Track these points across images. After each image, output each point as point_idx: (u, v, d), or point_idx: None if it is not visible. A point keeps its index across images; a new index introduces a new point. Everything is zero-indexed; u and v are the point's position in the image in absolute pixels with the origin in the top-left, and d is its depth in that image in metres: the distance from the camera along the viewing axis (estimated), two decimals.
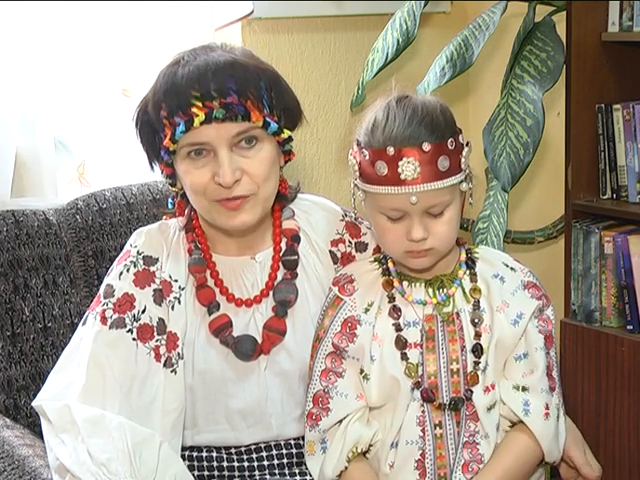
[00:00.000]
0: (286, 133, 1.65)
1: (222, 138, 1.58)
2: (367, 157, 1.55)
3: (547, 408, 1.63)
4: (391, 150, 1.51)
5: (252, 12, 2.41)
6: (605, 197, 2.47)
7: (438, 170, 1.52)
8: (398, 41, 2.40)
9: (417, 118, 1.53)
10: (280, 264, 1.73)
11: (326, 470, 1.63)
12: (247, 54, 1.65)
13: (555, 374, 1.68)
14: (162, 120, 1.60)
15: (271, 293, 1.71)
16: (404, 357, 1.61)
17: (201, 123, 1.56)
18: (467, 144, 1.58)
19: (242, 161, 1.61)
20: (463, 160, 1.56)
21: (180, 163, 1.63)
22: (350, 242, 1.79)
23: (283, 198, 1.76)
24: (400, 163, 1.51)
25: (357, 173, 1.58)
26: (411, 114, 1.53)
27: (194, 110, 1.56)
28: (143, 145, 1.68)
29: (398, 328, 1.62)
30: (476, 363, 1.61)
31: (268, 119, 1.61)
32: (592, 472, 1.73)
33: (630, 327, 2.38)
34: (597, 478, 1.74)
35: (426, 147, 1.51)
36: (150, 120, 1.63)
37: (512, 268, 1.68)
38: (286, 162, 1.72)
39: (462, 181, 1.56)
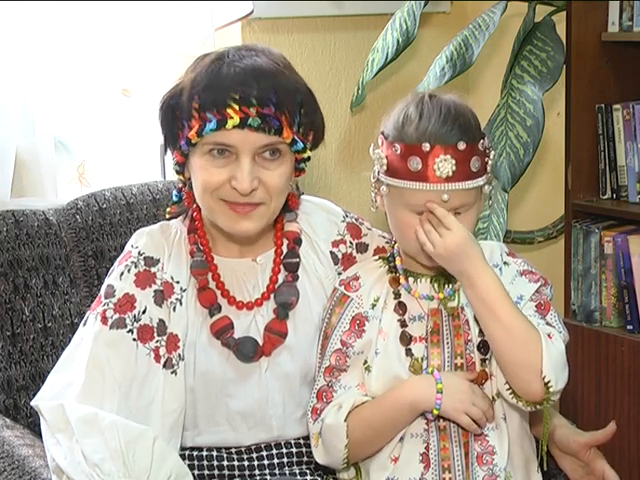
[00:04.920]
0: (307, 153, 1.65)
1: (249, 145, 1.58)
2: (398, 151, 1.54)
3: (550, 337, 1.54)
4: (427, 146, 1.51)
5: (252, 12, 2.41)
6: (605, 197, 2.47)
7: (470, 170, 1.53)
8: (398, 41, 2.40)
9: (451, 117, 1.53)
10: (281, 266, 1.72)
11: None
12: (287, 65, 1.65)
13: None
14: (192, 111, 1.59)
15: (272, 295, 1.70)
16: (409, 353, 1.61)
17: (234, 126, 1.56)
18: (491, 147, 1.59)
19: (261, 171, 1.60)
20: (490, 163, 1.57)
21: (198, 157, 1.62)
22: (351, 243, 1.79)
23: (290, 210, 1.76)
24: (437, 160, 1.51)
25: (384, 167, 1.57)
26: (446, 112, 1.54)
27: (229, 111, 1.56)
28: (162, 128, 1.67)
29: (403, 324, 1.62)
30: (483, 360, 1.60)
31: (296, 137, 1.61)
32: None
33: (630, 327, 2.39)
34: None
35: (461, 146, 1.51)
36: (179, 106, 1.61)
37: (505, 262, 1.66)
38: (296, 177, 1.72)
39: (486, 183, 1.57)
